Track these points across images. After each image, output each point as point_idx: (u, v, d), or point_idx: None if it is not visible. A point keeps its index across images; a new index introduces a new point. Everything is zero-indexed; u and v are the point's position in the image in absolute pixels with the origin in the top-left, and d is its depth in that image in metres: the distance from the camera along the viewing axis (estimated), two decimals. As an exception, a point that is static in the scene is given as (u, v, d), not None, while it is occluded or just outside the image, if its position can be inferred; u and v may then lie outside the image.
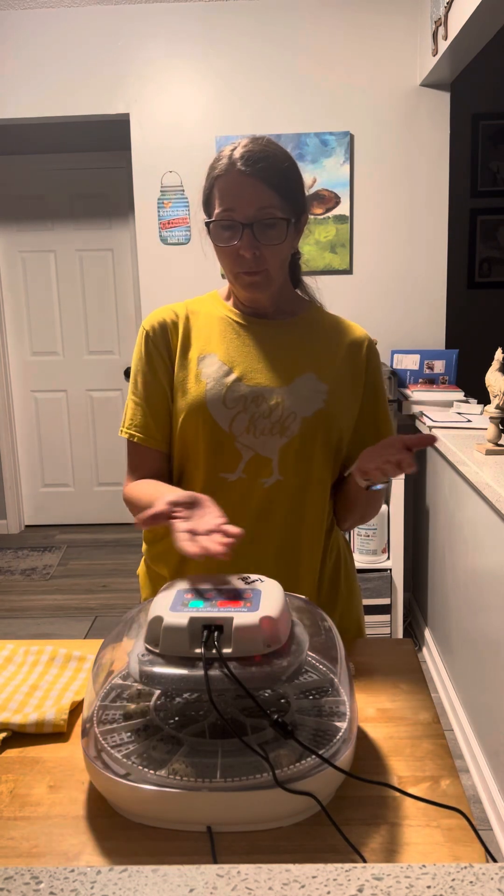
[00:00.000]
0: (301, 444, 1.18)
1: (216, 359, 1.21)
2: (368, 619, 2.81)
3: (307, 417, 1.18)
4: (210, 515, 0.96)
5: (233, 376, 1.19)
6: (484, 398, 2.88)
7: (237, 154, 1.12)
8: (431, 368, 3.17)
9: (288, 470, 1.19)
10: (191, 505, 0.99)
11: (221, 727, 0.82)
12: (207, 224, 1.17)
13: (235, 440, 1.18)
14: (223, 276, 1.25)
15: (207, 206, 1.18)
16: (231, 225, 1.13)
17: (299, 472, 1.20)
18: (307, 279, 1.31)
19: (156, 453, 1.25)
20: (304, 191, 1.20)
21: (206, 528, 0.92)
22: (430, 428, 2.61)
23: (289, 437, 1.18)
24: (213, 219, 1.15)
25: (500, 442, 2.18)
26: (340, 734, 0.82)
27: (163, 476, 1.26)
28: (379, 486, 1.16)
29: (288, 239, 1.16)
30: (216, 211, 1.14)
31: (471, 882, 0.49)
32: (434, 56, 2.87)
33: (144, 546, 1.35)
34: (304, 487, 1.21)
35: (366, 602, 2.72)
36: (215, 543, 0.89)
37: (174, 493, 1.03)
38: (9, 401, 4.57)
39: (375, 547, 2.91)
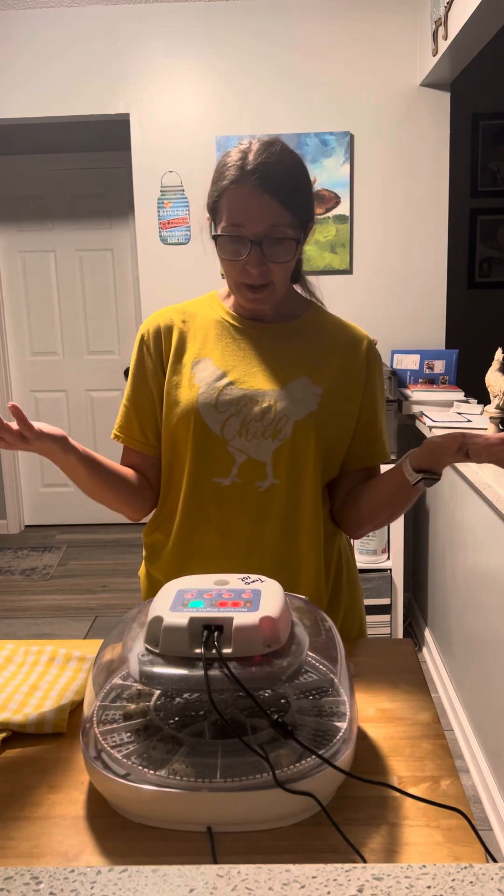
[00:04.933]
0: (294, 448, 1.17)
1: (210, 363, 1.20)
2: (368, 619, 2.80)
3: (299, 420, 1.17)
4: None
5: (226, 380, 1.19)
6: (484, 398, 2.88)
7: (250, 165, 1.09)
8: (431, 368, 3.17)
9: (282, 473, 1.18)
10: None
11: (221, 727, 0.82)
12: (214, 237, 1.15)
13: (227, 444, 1.18)
14: (223, 276, 1.25)
15: (214, 213, 1.16)
16: (239, 239, 1.11)
17: (294, 476, 1.19)
18: (310, 278, 1.30)
19: (139, 455, 1.28)
20: (313, 196, 1.18)
21: None
22: (431, 428, 2.61)
23: (281, 440, 1.17)
24: (221, 232, 1.13)
25: (500, 442, 2.18)
26: (340, 734, 0.82)
27: (142, 476, 1.29)
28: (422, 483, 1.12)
29: (295, 256, 1.15)
30: (223, 224, 1.12)
31: (471, 882, 0.49)
32: (434, 56, 2.87)
33: (145, 552, 1.35)
34: (299, 491, 1.20)
35: (366, 602, 2.72)
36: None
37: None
38: (9, 401, 4.57)
39: (375, 547, 2.91)
